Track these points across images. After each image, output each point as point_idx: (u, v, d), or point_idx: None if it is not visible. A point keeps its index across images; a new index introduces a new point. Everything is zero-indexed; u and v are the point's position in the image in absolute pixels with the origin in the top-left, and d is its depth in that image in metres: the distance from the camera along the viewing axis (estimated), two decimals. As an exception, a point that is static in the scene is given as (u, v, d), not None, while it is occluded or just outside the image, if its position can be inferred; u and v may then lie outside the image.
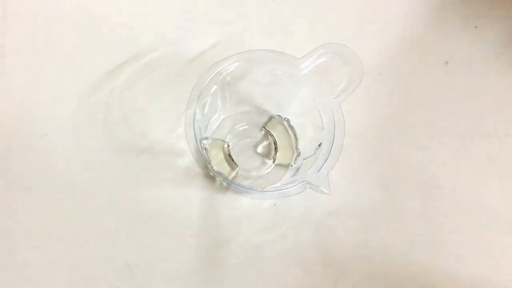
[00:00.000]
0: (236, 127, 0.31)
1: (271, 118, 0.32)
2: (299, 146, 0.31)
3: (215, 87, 0.30)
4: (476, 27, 0.33)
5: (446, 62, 0.32)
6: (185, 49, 0.32)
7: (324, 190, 0.26)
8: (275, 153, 0.31)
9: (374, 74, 0.32)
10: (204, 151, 0.29)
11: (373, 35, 0.33)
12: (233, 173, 0.30)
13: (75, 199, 0.30)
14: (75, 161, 0.30)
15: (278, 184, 0.30)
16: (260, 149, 0.31)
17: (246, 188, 0.29)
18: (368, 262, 0.29)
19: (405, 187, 0.30)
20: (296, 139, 0.31)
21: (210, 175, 0.30)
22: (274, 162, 0.31)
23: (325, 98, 0.29)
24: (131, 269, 0.29)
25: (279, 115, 0.31)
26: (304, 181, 0.27)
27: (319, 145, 0.29)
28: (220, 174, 0.29)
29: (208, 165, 0.29)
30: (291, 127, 0.31)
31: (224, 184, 0.30)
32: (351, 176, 0.30)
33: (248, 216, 0.30)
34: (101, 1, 0.33)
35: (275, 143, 0.31)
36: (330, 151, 0.28)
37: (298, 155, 0.31)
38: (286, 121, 0.31)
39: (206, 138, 0.30)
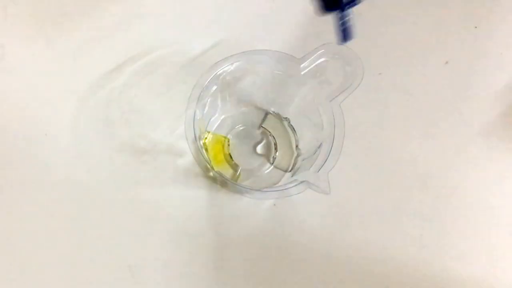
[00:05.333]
0: (236, 127, 0.31)
1: (266, 115, 0.31)
2: (299, 146, 0.31)
3: (215, 87, 0.30)
4: (476, 27, 0.33)
5: (446, 62, 0.32)
6: (185, 49, 0.32)
7: (324, 190, 0.26)
8: (275, 153, 0.31)
9: (374, 74, 0.32)
10: (204, 151, 0.29)
11: (373, 35, 0.33)
12: (234, 174, 0.30)
13: (75, 199, 0.30)
14: (75, 161, 0.30)
15: (278, 184, 0.30)
16: (260, 149, 0.31)
17: (246, 188, 0.29)
18: (367, 262, 0.29)
19: (405, 187, 0.30)
20: (296, 139, 0.31)
21: (210, 175, 0.30)
22: (272, 163, 0.31)
23: (325, 98, 0.29)
24: (131, 269, 0.29)
25: (273, 111, 0.31)
26: (304, 181, 0.27)
27: (319, 145, 0.29)
28: (220, 174, 0.29)
29: (208, 165, 0.29)
30: (291, 127, 0.31)
31: (227, 183, 0.30)
32: (351, 176, 0.30)
33: (248, 216, 0.30)
34: (100, 1, 0.33)
35: (275, 144, 0.31)
36: (330, 151, 0.28)
37: (298, 155, 0.31)
38: (286, 121, 0.31)
39: (208, 132, 0.30)
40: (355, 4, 0.21)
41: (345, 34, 0.22)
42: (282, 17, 0.33)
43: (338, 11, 0.22)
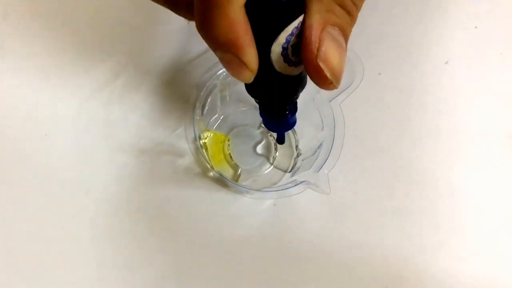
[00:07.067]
0: (236, 127, 0.31)
1: None
2: (299, 146, 0.31)
3: (215, 87, 0.30)
4: (476, 27, 0.33)
5: (446, 62, 0.32)
6: (185, 49, 0.32)
7: (324, 190, 0.26)
8: (275, 153, 0.31)
9: (374, 74, 0.32)
10: (203, 151, 0.29)
11: (373, 35, 0.33)
12: (234, 174, 0.31)
13: (75, 199, 0.30)
14: (75, 161, 0.30)
15: (278, 184, 0.30)
16: (260, 149, 0.31)
17: (246, 188, 0.29)
18: (367, 262, 0.29)
19: (405, 187, 0.30)
20: (296, 139, 0.31)
21: (210, 175, 0.30)
22: (272, 164, 0.31)
23: (325, 98, 0.29)
24: (131, 269, 0.29)
25: None
26: (304, 181, 0.27)
27: (319, 145, 0.29)
28: (220, 174, 0.29)
29: (208, 165, 0.29)
30: (291, 127, 0.31)
31: (227, 183, 0.30)
32: (351, 176, 0.30)
33: (248, 216, 0.30)
34: (100, 2, 0.34)
35: (275, 144, 0.31)
36: (330, 151, 0.28)
37: (298, 155, 0.31)
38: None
39: (208, 132, 0.30)
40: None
41: (281, 139, 0.28)
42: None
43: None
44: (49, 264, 0.29)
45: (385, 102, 0.32)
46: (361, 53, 0.26)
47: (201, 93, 0.29)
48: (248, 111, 0.32)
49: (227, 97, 0.31)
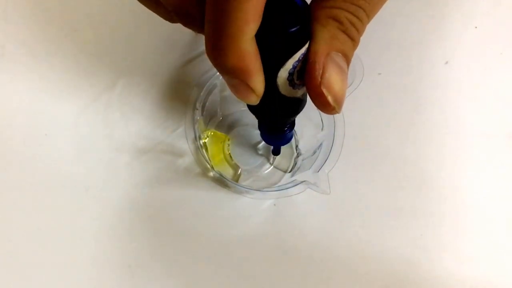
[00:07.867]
0: (236, 127, 0.31)
1: None
2: (299, 146, 0.31)
3: (215, 87, 0.30)
4: (476, 27, 0.33)
5: (446, 62, 0.32)
6: (185, 49, 0.32)
7: (324, 190, 0.26)
8: (275, 153, 0.31)
9: (374, 74, 0.32)
10: (203, 151, 0.29)
11: (373, 35, 0.33)
12: (234, 174, 0.31)
13: (75, 199, 0.30)
14: (75, 161, 0.30)
15: (278, 184, 0.30)
16: (260, 149, 0.31)
17: (246, 188, 0.29)
18: (367, 262, 0.29)
19: (405, 186, 0.30)
20: (296, 139, 0.31)
21: (210, 175, 0.30)
22: (272, 164, 0.31)
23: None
24: (131, 269, 0.29)
25: None
26: (304, 181, 0.27)
27: (319, 145, 0.29)
28: (220, 174, 0.29)
29: (208, 165, 0.29)
30: (291, 127, 0.31)
31: (227, 183, 0.30)
32: (351, 176, 0.30)
33: (248, 216, 0.30)
34: (101, 3, 0.34)
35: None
36: (330, 151, 0.28)
37: (298, 155, 0.31)
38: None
39: (208, 132, 0.30)
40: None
41: (276, 151, 0.30)
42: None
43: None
44: (49, 263, 0.29)
45: (385, 102, 0.32)
46: (361, 53, 0.26)
47: (201, 93, 0.29)
48: (248, 111, 0.31)
49: (227, 97, 0.31)
